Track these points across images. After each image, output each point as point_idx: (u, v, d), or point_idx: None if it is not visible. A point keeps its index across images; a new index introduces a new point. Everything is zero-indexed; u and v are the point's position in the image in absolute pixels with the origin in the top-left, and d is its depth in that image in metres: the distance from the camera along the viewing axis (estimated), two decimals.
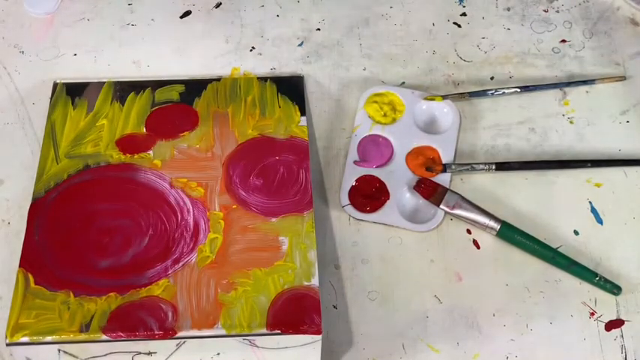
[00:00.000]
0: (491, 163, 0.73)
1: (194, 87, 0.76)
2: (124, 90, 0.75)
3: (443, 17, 0.84)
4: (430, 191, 0.71)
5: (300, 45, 0.81)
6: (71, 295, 0.62)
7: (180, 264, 0.64)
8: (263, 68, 0.79)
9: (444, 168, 0.73)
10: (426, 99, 0.77)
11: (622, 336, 0.66)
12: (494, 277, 0.68)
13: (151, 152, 0.71)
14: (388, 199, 0.71)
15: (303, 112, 0.74)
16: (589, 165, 0.73)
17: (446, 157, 0.74)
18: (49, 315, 0.61)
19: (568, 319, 0.66)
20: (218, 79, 0.77)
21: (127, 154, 0.71)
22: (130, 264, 0.64)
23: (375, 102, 0.76)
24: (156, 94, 0.75)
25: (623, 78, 0.79)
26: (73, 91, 0.75)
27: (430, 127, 0.76)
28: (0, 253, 0.68)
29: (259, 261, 0.65)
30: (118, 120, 0.73)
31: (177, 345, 0.61)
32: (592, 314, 0.66)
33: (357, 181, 0.72)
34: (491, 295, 0.67)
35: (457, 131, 0.75)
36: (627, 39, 0.82)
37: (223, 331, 0.60)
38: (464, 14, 0.84)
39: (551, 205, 0.72)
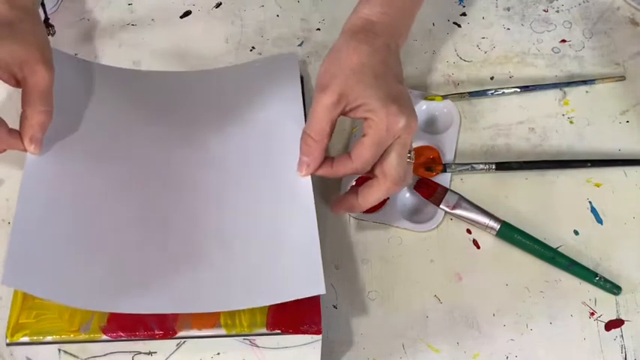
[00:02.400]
0: (491, 163, 0.73)
1: None
2: None
3: (443, 17, 0.84)
4: (430, 191, 0.71)
5: (300, 45, 0.81)
6: None
7: None
8: None
9: (444, 168, 0.73)
10: (426, 99, 0.77)
11: (622, 336, 0.66)
12: (494, 277, 0.68)
13: None
14: (388, 199, 0.71)
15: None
16: (589, 165, 0.73)
17: (446, 157, 0.74)
18: (49, 315, 0.60)
19: (568, 319, 0.66)
20: None
21: None
22: None
23: None
24: None
25: (623, 78, 0.79)
26: None
27: (430, 127, 0.77)
28: (0, 253, 0.68)
29: None
30: None
31: (177, 345, 0.61)
32: (592, 314, 0.66)
33: (357, 181, 0.72)
34: (491, 295, 0.67)
35: (457, 131, 0.76)
36: (627, 39, 0.83)
37: (223, 331, 0.60)
38: (464, 14, 0.84)
39: (551, 205, 0.72)
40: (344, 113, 0.63)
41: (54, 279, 0.59)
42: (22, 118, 0.65)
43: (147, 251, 0.62)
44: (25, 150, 0.65)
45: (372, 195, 0.64)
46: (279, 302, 0.59)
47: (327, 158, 0.65)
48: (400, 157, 0.62)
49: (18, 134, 0.65)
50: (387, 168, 0.62)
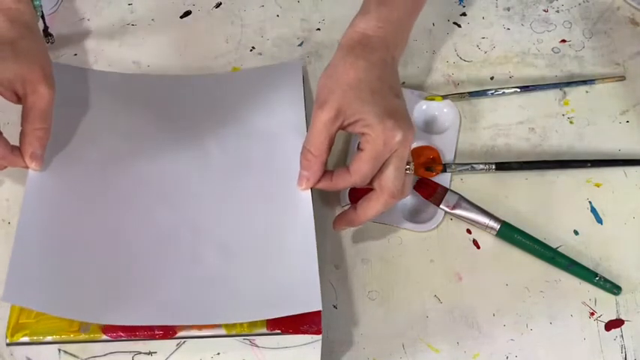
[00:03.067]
0: (491, 163, 0.73)
1: None
2: None
3: (443, 17, 0.84)
4: (430, 191, 0.71)
5: (300, 45, 0.81)
6: None
7: None
8: None
9: (444, 168, 0.73)
10: (426, 99, 0.77)
11: (622, 336, 0.66)
12: (494, 277, 0.68)
13: None
14: None
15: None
16: (589, 165, 0.73)
17: (446, 157, 0.74)
18: (49, 315, 0.60)
19: (568, 319, 0.66)
20: None
21: None
22: None
23: None
24: None
25: (623, 78, 0.79)
26: None
27: (430, 127, 0.77)
28: (0, 253, 0.68)
29: None
30: None
31: (177, 345, 0.61)
32: (592, 314, 0.66)
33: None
34: (491, 295, 0.67)
35: (457, 131, 0.76)
36: (627, 39, 0.83)
37: (223, 331, 0.60)
38: (464, 14, 0.84)
39: (551, 205, 0.72)
40: (342, 128, 0.63)
41: (54, 294, 0.60)
42: (22, 136, 0.65)
43: (146, 262, 0.63)
44: (26, 167, 0.65)
45: (370, 209, 0.64)
46: (274, 317, 0.59)
47: (327, 172, 0.65)
48: (397, 170, 0.63)
49: (19, 151, 0.65)
50: (385, 182, 0.63)
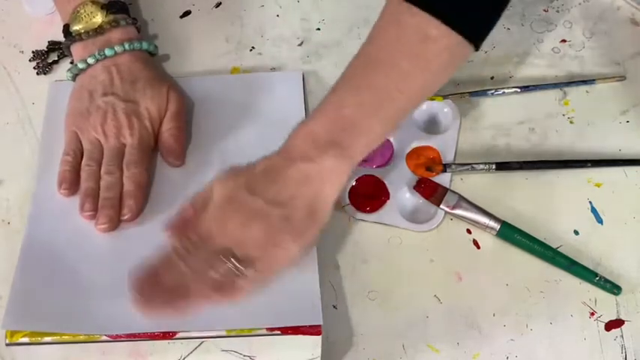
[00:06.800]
0: (491, 163, 0.73)
1: None
2: None
3: None
4: (430, 191, 0.71)
5: (300, 45, 0.81)
6: None
7: None
8: (263, 68, 0.79)
9: (444, 168, 0.73)
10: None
11: (622, 336, 0.66)
12: (494, 277, 0.68)
13: None
14: (388, 199, 0.71)
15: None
16: (589, 165, 0.73)
17: (446, 157, 0.74)
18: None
19: (568, 319, 0.66)
20: None
21: None
22: None
23: None
24: None
25: (623, 78, 0.79)
26: None
27: (430, 127, 0.76)
28: (0, 253, 0.68)
29: None
30: None
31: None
32: (592, 314, 0.66)
33: (357, 181, 0.72)
34: (491, 295, 0.67)
35: (457, 131, 0.75)
36: (627, 39, 0.82)
37: (223, 332, 0.60)
38: None
39: (551, 205, 0.72)
40: None
41: (57, 314, 0.61)
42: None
43: None
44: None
45: None
46: (275, 326, 0.60)
47: None
48: None
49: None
50: None
